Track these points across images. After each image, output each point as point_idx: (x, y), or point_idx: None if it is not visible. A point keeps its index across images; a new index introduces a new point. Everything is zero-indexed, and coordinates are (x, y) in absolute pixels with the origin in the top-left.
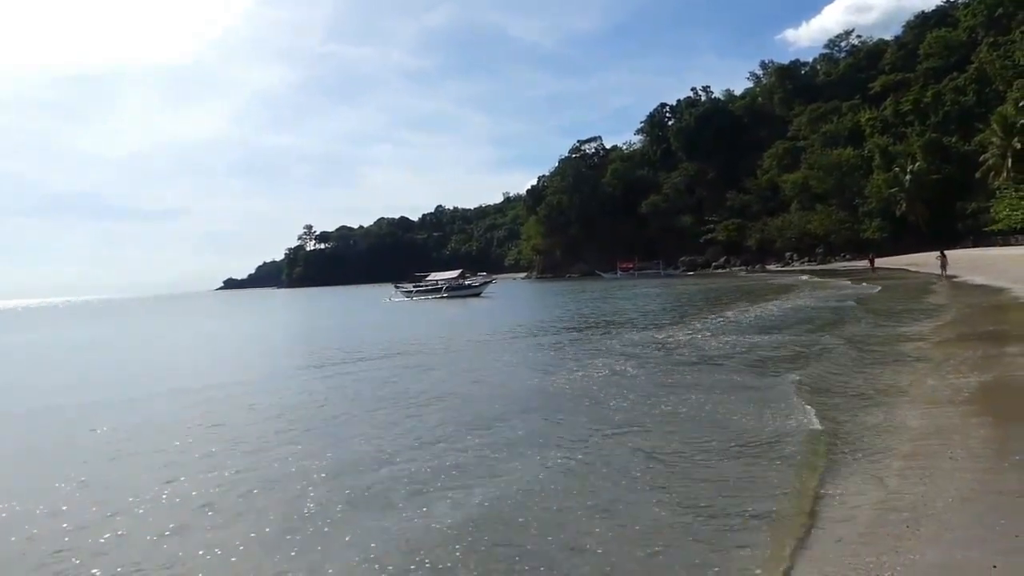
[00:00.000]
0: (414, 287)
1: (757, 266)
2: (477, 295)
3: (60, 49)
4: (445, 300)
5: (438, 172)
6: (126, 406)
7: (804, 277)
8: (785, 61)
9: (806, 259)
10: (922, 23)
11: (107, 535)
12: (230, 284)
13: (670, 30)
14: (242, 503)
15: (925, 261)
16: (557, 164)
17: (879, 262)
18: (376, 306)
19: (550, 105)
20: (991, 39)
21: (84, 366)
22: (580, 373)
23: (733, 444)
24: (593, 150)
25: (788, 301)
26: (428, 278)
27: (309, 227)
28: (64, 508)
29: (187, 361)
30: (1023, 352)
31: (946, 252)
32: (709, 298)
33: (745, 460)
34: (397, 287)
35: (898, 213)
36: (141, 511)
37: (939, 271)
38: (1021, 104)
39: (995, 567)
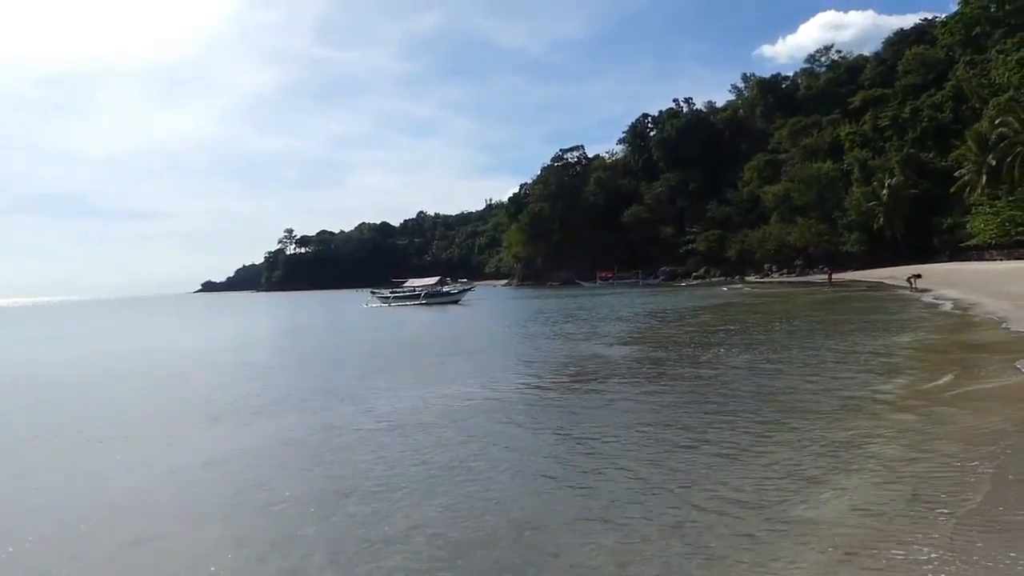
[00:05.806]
0: (391, 293)
1: (736, 277)
2: (455, 302)
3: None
4: (423, 307)
5: (421, 177)
6: None
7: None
8: (765, 75)
9: (785, 271)
10: (901, 40)
11: None
12: (208, 287)
13: (653, 39)
14: None
15: (903, 274)
16: (540, 172)
17: (853, 275)
18: (350, 312)
19: (535, 112)
20: (968, 57)
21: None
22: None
23: None
24: (576, 159)
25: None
26: (406, 284)
27: (290, 231)
28: None
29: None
30: None
31: (914, 268)
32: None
33: None
34: (374, 293)
35: (876, 227)
36: None
37: (906, 285)
38: (996, 122)
39: None
